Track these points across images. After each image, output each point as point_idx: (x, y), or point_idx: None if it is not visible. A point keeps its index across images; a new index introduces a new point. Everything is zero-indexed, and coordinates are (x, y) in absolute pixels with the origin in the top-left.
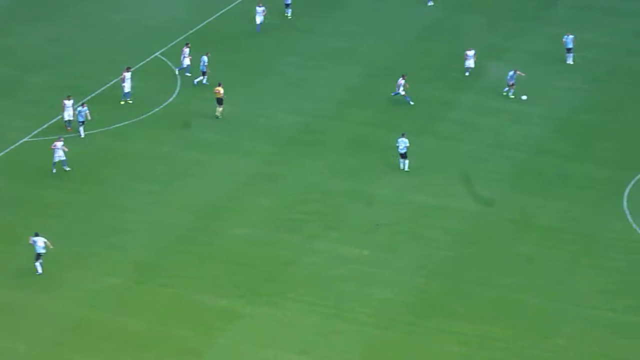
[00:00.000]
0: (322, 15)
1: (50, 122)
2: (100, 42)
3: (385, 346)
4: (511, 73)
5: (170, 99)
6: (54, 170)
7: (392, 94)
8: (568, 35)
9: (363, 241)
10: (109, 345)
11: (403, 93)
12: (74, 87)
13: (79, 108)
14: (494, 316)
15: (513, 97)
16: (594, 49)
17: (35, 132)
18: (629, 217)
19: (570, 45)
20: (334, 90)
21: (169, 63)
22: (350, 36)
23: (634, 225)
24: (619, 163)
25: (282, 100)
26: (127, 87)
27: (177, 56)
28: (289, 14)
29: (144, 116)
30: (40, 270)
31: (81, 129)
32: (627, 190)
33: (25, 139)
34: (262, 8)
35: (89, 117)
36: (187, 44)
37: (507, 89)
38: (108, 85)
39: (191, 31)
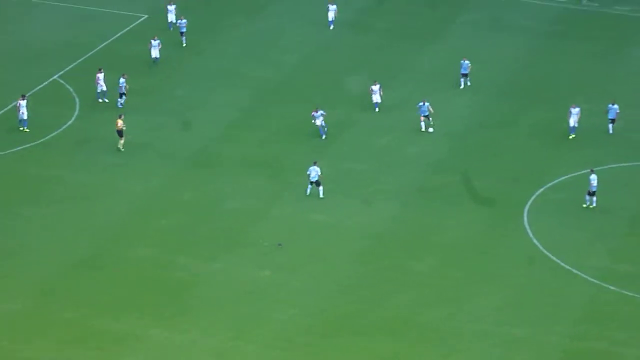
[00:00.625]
0: (210, 37)
1: None
2: None
3: None
4: (421, 105)
5: (70, 122)
6: None
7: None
8: (464, 61)
9: (263, 262)
10: None
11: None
12: None
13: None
14: (393, 335)
15: (424, 130)
16: (492, 65)
17: None
18: (529, 232)
19: (466, 71)
20: (226, 112)
21: (67, 86)
22: (237, 58)
23: (534, 240)
24: (517, 179)
25: (176, 122)
26: (22, 114)
27: (76, 79)
28: (184, 42)
29: (41, 140)
30: None
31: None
32: (527, 206)
33: None
34: (158, 41)
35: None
36: (99, 69)
37: (423, 123)
38: (6, 109)
39: (89, 54)
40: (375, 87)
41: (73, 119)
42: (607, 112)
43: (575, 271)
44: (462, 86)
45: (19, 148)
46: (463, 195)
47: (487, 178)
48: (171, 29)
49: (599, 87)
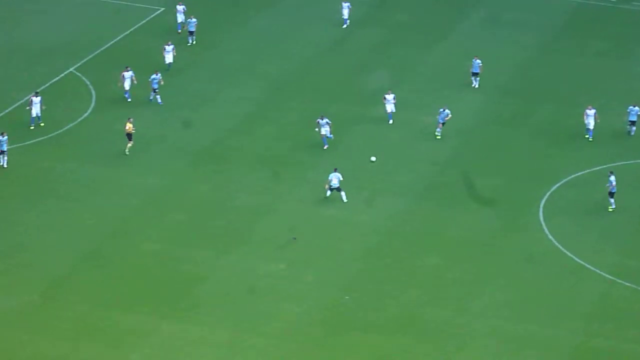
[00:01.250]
0: (224, 32)
1: None
2: (9, 60)
3: None
4: (442, 111)
5: (85, 115)
6: None
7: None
8: (475, 59)
9: (276, 256)
10: None
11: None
12: None
13: None
14: (404, 330)
15: (439, 137)
16: (503, 62)
17: None
18: (545, 228)
19: (477, 70)
20: (241, 105)
21: (84, 78)
22: (252, 52)
23: (550, 236)
24: (531, 176)
25: (189, 115)
26: (34, 111)
27: (93, 72)
28: (191, 42)
29: (55, 132)
30: None
31: None
32: (542, 203)
33: None
34: (172, 46)
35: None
36: (126, 68)
37: (439, 130)
38: (20, 102)
39: (105, 46)
40: (389, 97)
41: (89, 111)
42: (627, 114)
43: (588, 267)
44: (474, 84)
45: (33, 141)
46: (476, 189)
47: (499, 175)
48: (180, 30)
49: (612, 85)
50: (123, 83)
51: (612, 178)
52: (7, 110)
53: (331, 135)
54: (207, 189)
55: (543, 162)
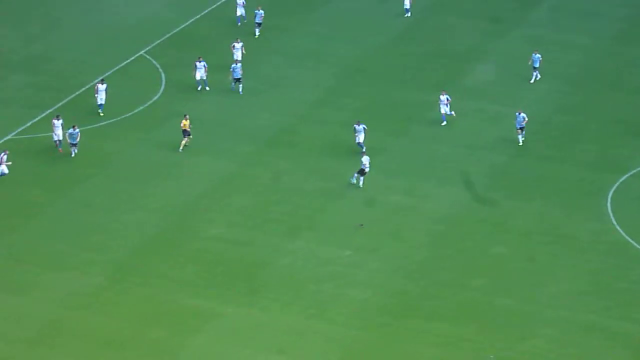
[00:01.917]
0: (295, 17)
1: (30, 123)
2: (79, 42)
3: (363, 347)
4: (518, 115)
5: (155, 98)
6: None
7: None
8: (535, 54)
9: (341, 241)
10: (84, 345)
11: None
12: (54, 87)
13: None
14: (469, 318)
15: (521, 144)
16: (574, 51)
17: (18, 130)
18: (612, 219)
19: (537, 65)
20: (311, 91)
21: (154, 62)
22: (323, 38)
23: (618, 227)
24: (600, 165)
25: (260, 100)
26: (100, 98)
27: (163, 56)
28: (257, 33)
29: (125, 115)
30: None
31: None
32: (610, 193)
33: (8, 137)
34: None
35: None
36: (199, 58)
37: (520, 137)
38: (90, 85)
39: (173, 31)
40: (443, 97)
41: (159, 95)
42: None
43: None
44: (532, 80)
45: (103, 123)
46: (544, 179)
47: (568, 164)
48: (239, 23)
49: None
50: (195, 73)
51: None
52: (78, 92)
53: (363, 145)
54: (275, 174)
55: (612, 152)
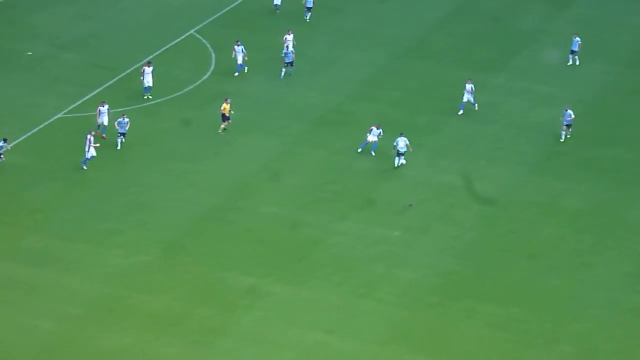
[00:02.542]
0: None
1: (80, 101)
2: (130, 20)
3: (412, 327)
4: (565, 111)
5: (205, 77)
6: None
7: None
8: (575, 37)
9: (392, 221)
10: (134, 323)
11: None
12: (106, 66)
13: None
14: (519, 298)
15: (563, 140)
16: (623, 32)
17: (69, 108)
18: None
19: (576, 48)
20: (362, 70)
21: (204, 41)
22: (374, 18)
23: None
24: None
25: (310, 80)
26: (147, 81)
27: (213, 35)
28: (308, 18)
29: (175, 94)
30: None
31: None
32: None
33: (58, 116)
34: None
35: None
36: (237, 42)
37: (564, 133)
38: (141, 63)
39: (224, 10)
40: (468, 86)
41: (208, 74)
42: None
43: None
44: (570, 62)
45: (153, 102)
46: (594, 161)
47: (619, 145)
48: (278, 11)
49: None
50: (236, 56)
51: None
52: (128, 70)
53: (374, 152)
54: (326, 154)
55: None
